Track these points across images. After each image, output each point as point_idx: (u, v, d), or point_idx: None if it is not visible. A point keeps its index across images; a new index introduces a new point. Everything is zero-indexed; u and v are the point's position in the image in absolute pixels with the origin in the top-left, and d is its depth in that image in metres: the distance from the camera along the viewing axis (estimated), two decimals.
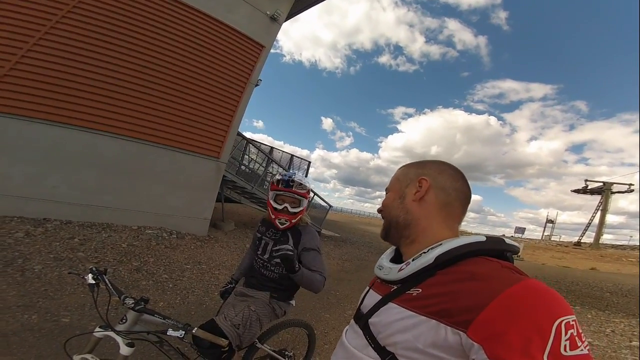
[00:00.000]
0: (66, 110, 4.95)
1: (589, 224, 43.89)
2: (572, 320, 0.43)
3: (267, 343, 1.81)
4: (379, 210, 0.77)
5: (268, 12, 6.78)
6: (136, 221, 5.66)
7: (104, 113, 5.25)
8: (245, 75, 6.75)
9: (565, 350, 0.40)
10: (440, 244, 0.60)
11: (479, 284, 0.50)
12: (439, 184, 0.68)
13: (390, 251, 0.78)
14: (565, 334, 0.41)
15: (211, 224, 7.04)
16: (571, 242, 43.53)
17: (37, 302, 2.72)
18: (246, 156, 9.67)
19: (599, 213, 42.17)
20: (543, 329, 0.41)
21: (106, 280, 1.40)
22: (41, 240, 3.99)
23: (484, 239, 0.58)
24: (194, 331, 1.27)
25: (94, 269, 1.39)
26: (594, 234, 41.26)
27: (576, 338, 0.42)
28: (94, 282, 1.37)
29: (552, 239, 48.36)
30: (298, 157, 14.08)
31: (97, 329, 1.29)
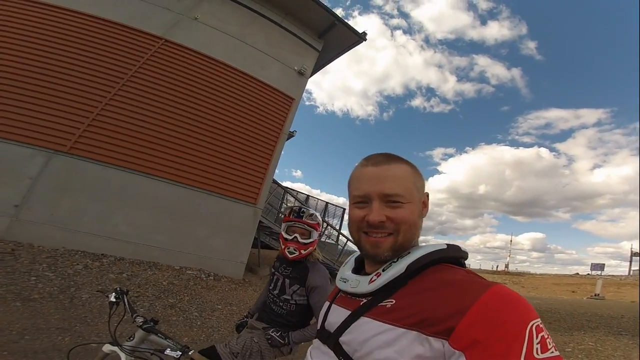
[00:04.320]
0: (132, 157, 5.82)
1: None
2: (540, 324, 0.45)
3: None
4: (381, 223, 0.58)
5: (296, 68, 7.66)
6: (179, 261, 5.99)
7: (160, 160, 6.05)
8: (278, 126, 7.41)
9: (537, 353, 0.41)
10: (409, 253, 0.59)
11: (454, 290, 0.50)
12: None
13: (351, 262, 0.73)
14: (537, 337, 0.43)
15: (247, 268, 7.13)
16: None
17: (74, 326, 2.94)
18: (284, 204, 10.05)
19: None
20: (518, 333, 0.43)
21: (125, 300, 1.50)
22: (95, 273, 4.43)
23: (445, 246, 0.59)
24: (190, 353, 1.26)
25: (118, 288, 1.52)
26: None
27: (546, 341, 0.43)
28: (114, 300, 1.48)
29: None
30: (333, 205, 14.22)
31: (107, 344, 1.35)
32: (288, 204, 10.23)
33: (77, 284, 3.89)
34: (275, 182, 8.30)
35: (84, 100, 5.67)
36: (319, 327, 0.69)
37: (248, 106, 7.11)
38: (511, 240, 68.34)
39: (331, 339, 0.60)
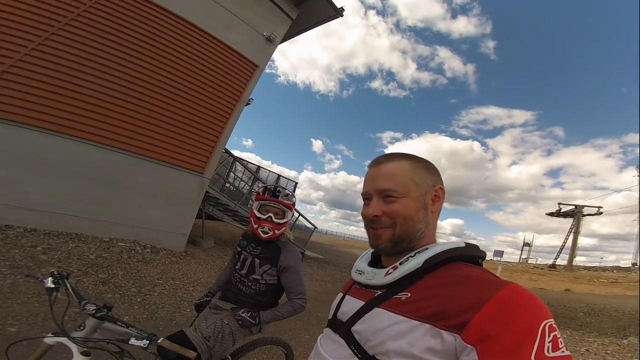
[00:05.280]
0: (51, 117, 4.79)
1: (563, 246, 44.95)
2: (554, 323, 0.45)
3: None
4: (375, 217, 0.63)
5: (265, 33, 6.96)
6: (109, 233, 5.37)
7: (89, 121, 5.11)
8: (237, 93, 6.78)
9: (548, 351, 0.42)
10: (427, 248, 0.60)
11: (471, 286, 0.50)
12: (445, 193, 0.67)
13: (367, 256, 0.76)
14: (549, 336, 0.43)
15: (189, 240, 6.77)
16: (547, 264, 44.56)
17: None
18: (232, 174, 9.53)
19: (571, 236, 43.39)
20: (531, 331, 0.43)
21: (67, 285, 1.30)
22: None
23: (464, 244, 0.60)
24: (159, 341, 1.17)
25: (55, 272, 1.30)
26: (568, 256, 42.30)
27: (558, 340, 0.44)
28: (53, 286, 1.26)
29: (529, 262, 49.74)
30: (285, 178, 13.99)
31: (49, 334, 1.17)
32: (237, 174, 9.77)
33: None
34: (226, 151, 7.78)
35: None
36: (330, 317, 0.69)
37: (205, 69, 6.28)
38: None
39: (343, 328, 0.61)
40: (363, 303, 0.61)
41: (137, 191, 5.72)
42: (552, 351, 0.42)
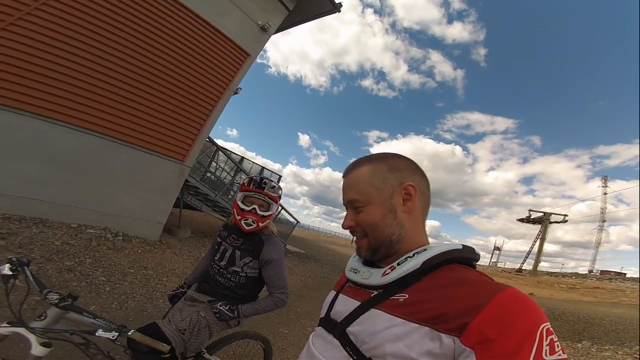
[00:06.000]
0: (17, 94, 4.39)
1: (530, 251, 47.65)
2: (550, 327, 0.46)
3: (216, 355, 1.64)
4: (349, 228, 0.65)
5: (259, 22, 6.75)
6: (77, 219, 5.06)
7: (60, 100, 4.73)
8: (225, 81, 6.54)
9: (546, 354, 0.42)
10: (425, 249, 0.59)
11: (470, 289, 0.50)
12: (420, 188, 0.64)
13: None
14: (546, 339, 0.44)
15: (165, 229, 6.53)
16: (514, 268, 47.06)
17: None
18: (214, 163, 9.27)
19: (538, 241, 45.95)
20: (529, 334, 0.43)
21: (27, 272, 1.20)
22: None
23: (461, 246, 0.59)
24: (129, 333, 1.10)
25: (13, 258, 1.19)
26: (533, 261, 44.78)
27: (555, 343, 0.44)
28: (10, 273, 1.16)
29: (498, 265, 52.43)
30: (269, 170, 13.80)
31: (4, 324, 1.07)
32: (219, 164, 9.50)
33: None
34: (209, 139, 7.53)
35: None
36: (323, 315, 0.67)
37: (194, 53, 5.97)
38: None
39: (337, 329, 0.59)
40: (359, 303, 0.59)
41: (111, 176, 5.42)
42: (550, 354, 0.43)
